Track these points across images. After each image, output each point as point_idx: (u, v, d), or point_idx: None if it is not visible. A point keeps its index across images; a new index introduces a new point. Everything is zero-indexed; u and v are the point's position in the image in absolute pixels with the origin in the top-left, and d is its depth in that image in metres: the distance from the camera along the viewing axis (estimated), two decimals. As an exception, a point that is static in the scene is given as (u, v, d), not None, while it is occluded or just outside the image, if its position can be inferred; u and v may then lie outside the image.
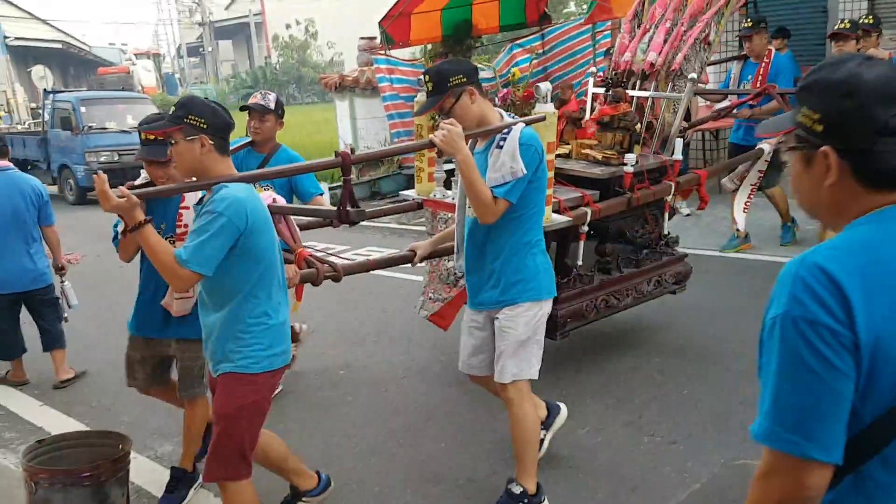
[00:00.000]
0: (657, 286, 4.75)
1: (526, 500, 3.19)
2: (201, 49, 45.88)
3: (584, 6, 24.86)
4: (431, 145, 3.06)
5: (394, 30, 11.47)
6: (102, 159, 13.49)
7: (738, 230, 6.37)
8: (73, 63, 41.86)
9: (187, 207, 3.24)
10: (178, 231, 3.29)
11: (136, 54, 44.57)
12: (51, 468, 3.10)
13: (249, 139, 4.37)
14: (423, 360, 5.04)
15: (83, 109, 14.05)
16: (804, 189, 1.39)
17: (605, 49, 9.80)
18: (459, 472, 3.65)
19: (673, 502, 3.26)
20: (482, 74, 11.90)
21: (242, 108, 4.31)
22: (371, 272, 6.69)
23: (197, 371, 3.43)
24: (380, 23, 11.49)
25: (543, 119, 3.51)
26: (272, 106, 4.25)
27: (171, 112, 2.74)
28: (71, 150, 13.97)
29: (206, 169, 2.71)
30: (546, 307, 3.20)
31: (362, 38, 12.54)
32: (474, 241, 3.20)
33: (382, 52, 11.17)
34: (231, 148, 4.27)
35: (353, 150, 3.19)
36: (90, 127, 13.91)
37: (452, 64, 3.22)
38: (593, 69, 5.45)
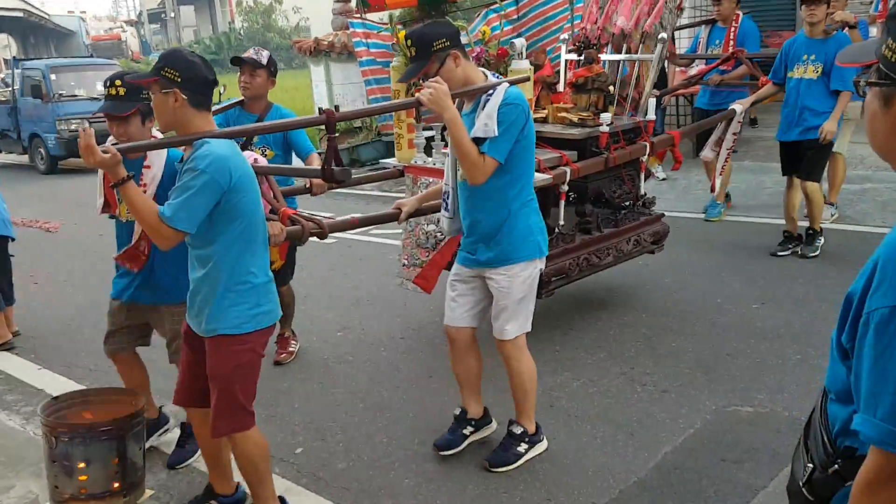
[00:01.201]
0: (636, 245, 4.91)
1: (527, 439, 3.38)
2: (163, 15, 44.88)
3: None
4: (419, 103, 3.09)
5: (370, -6, 11.44)
6: (73, 127, 13.30)
7: (713, 190, 6.47)
8: (33, 32, 40.83)
9: (149, 167, 3.23)
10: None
11: (126, 21, 43.81)
12: (71, 423, 3.17)
13: (240, 98, 4.36)
14: (419, 321, 5.16)
15: (53, 77, 13.81)
16: (880, 131, 1.24)
17: (580, 14, 9.89)
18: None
19: (669, 446, 3.43)
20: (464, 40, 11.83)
21: (233, 61, 4.28)
22: (364, 238, 6.84)
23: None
24: (355, -13, 11.44)
25: (528, 79, 3.59)
26: (264, 62, 4.24)
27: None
28: (41, 118, 13.74)
29: (182, 124, 2.69)
30: (540, 265, 3.30)
31: (337, 2, 12.44)
32: (467, 202, 3.25)
33: (358, 15, 11.13)
34: (222, 106, 4.32)
35: (337, 108, 3.17)
36: (60, 95, 13.68)
37: (435, 27, 3.21)
38: (566, 35, 5.52)
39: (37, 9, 40.25)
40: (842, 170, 6.48)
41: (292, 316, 4.71)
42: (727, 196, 7.19)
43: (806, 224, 5.85)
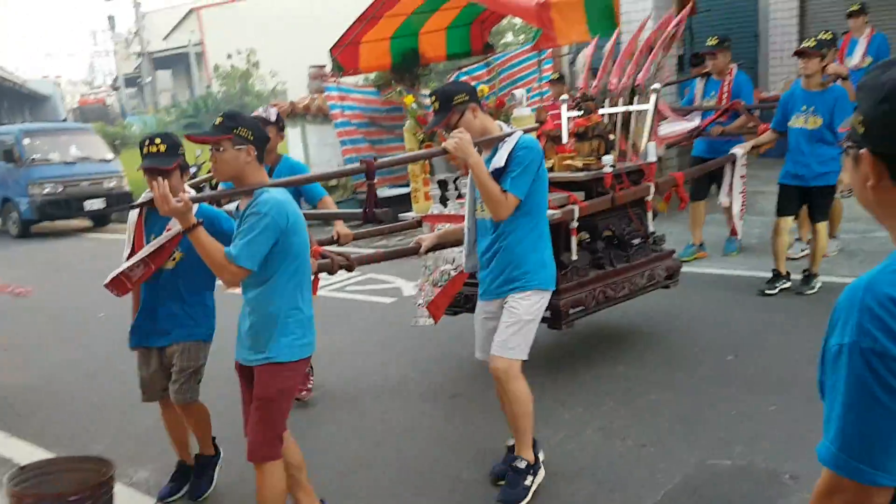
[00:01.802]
0: (650, 280, 5.17)
1: (531, 471, 3.53)
2: (139, 79, 45.22)
3: (521, 37, 25.47)
4: (445, 152, 3.49)
5: (344, 58, 11.62)
6: (46, 191, 13.26)
7: (737, 237, 6.86)
8: (6, 97, 40.96)
9: None
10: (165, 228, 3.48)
11: (112, 86, 44.37)
12: (38, 492, 3.10)
13: None
14: (397, 378, 5.12)
15: (26, 141, 13.81)
16: (854, 188, 1.39)
17: (549, 74, 10.12)
18: (445, 479, 3.76)
19: (650, 502, 3.40)
20: (429, 101, 12.12)
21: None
22: (338, 294, 6.83)
23: (192, 374, 3.61)
24: (330, 51, 11.64)
25: (537, 128, 4.12)
26: (273, 119, 4.56)
27: (217, 122, 3.00)
28: (13, 182, 13.69)
29: (245, 175, 2.99)
30: (547, 297, 3.58)
31: (312, 67, 12.67)
32: (488, 238, 3.55)
33: (333, 79, 11.33)
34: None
35: (375, 158, 3.62)
36: (33, 159, 13.66)
37: (456, 85, 3.68)
38: (565, 96, 5.80)
39: (10, 74, 40.50)
40: (839, 208, 6.86)
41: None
42: (701, 245, 7.35)
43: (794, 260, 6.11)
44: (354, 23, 11.24)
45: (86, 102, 37.16)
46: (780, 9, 10.89)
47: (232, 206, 3.58)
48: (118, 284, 3.53)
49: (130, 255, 3.55)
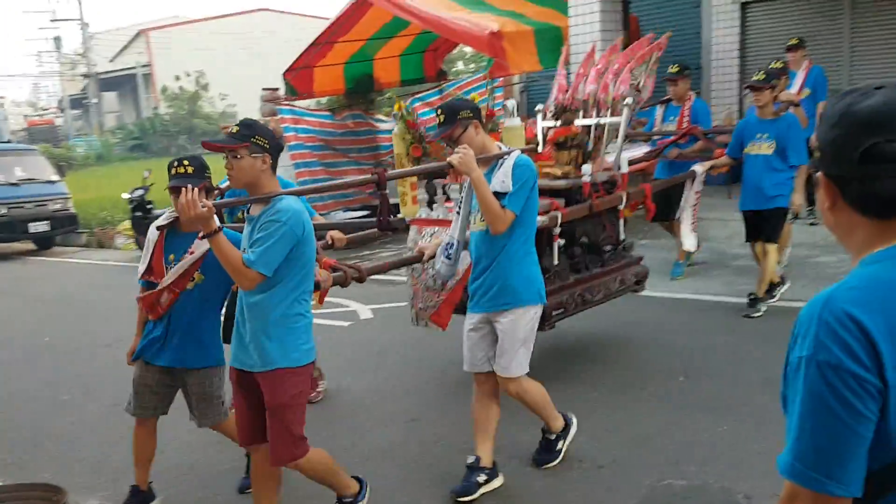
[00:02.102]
0: (622, 284, 5.45)
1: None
2: (85, 101, 44.43)
3: (472, 66, 25.82)
4: (450, 166, 3.63)
5: (297, 82, 11.70)
6: (-10, 212, 12.91)
7: (689, 251, 6.95)
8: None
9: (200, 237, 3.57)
10: (188, 250, 3.59)
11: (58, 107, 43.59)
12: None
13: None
14: (352, 401, 5.09)
15: (-31, 163, 13.43)
16: (820, 209, 1.44)
17: (500, 102, 10.27)
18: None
19: (607, 522, 3.44)
20: (383, 126, 12.25)
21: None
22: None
23: (217, 398, 3.70)
24: (284, 74, 11.66)
25: (535, 148, 4.45)
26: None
27: (234, 130, 3.12)
28: (-45, 203, 13.26)
29: (261, 183, 3.11)
30: (539, 310, 3.79)
31: (265, 89, 12.59)
32: (481, 251, 3.72)
33: (287, 102, 11.30)
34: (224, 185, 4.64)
35: (386, 169, 3.81)
36: (-24, 181, 13.29)
37: (462, 101, 3.92)
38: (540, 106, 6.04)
39: (-48, 94, 39.50)
40: (787, 231, 7.05)
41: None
42: (687, 256, 7.60)
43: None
44: (309, 47, 11.34)
45: (34, 123, 36.42)
46: (722, 42, 11.26)
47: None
48: (150, 307, 3.62)
49: (146, 272, 3.64)
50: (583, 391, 4.95)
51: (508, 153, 3.72)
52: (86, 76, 41.42)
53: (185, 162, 3.59)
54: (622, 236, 5.54)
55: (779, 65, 7.17)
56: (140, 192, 11.82)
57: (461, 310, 4.77)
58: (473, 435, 3.86)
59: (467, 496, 3.67)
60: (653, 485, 3.74)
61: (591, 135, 5.36)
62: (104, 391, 5.72)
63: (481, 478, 3.72)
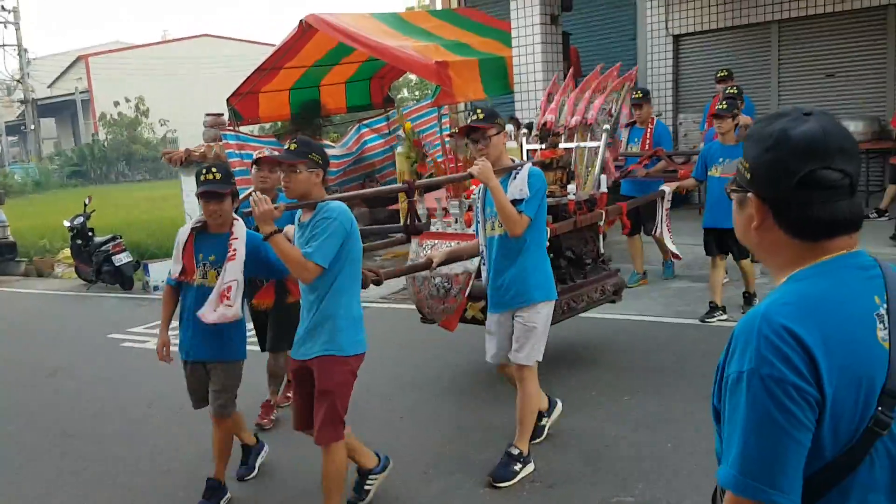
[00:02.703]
0: (602, 294, 5.82)
1: (522, 459, 4.12)
2: (22, 127, 43.32)
3: (416, 93, 26.05)
4: (471, 176, 4.09)
5: (242, 107, 11.66)
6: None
7: (674, 257, 7.18)
8: None
9: (237, 238, 3.95)
10: (229, 254, 3.93)
11: None
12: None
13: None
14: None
15: None
16: (739, 227, 1.51)
17: (447, 126, 10.43)
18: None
19: (558, 539, 3.51)
20: (332, 151, 12.32)
21: (254, 162, 5.02)
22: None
23: (229, 393, 4.06)
24: (228, 100, 11.61)
25: (545, 164, 5.20)
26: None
27: (292, 147, 3.49)
28: None
29: (313, 194, 3.52)
30: (552, 305, 4.23)
31: (208, 114, 12.51)
32: (500, 254, 4.12)
33: (231, 128, 11.25)
34: (242, 196, 4.86)
35: (414, 179, 4.21)
36: None
37: (496, 112, 4.24)
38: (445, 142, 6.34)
39: None
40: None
41: (283, 383, 5.34)
42: (644, 273, 8.09)
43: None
44: (254, 72, 11.32)
45: None
46: (658, 74, 11.68)
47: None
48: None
49: (181, 273, 4.01)
50: (532, 411, 5.03)
51: (521, 165, 4.15)
52: (23, 102, 40.40)
53: (214, 169, 3.95)
54: (601, 250, 5.95)
55: (734, 90, 7.65)
56: (80, 219, 11.59)
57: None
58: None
59: (504, 482, 4.02)
60: (603, 501, 3.83)
61: (574, 156, 5.79)
62: (48, 420, 5.61)
63: (517, 466, 4.08)
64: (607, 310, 7.36)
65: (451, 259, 4.65)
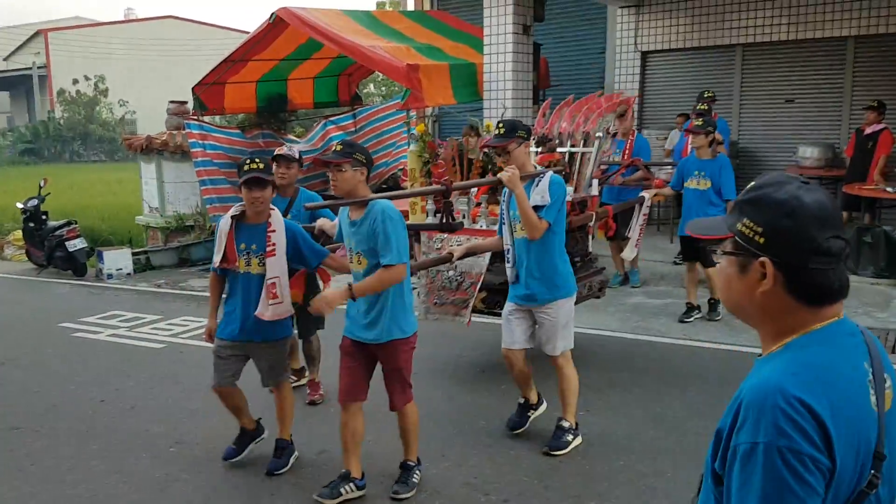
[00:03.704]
0: (590, 290, 6.09)
1: (572, 431, 4.66)
2: (-27, 99, 42.09)
3: (383, 89, 25.87)
4: (500, 182, 4.41)
5: (207, 97, 11.48)
6: None
7: (626, 259, 7.72)
8: None
9: (275, 231, 4.24)
10: (268, 249, 4.23)
11: None
12: None
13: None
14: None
15: None
16: (735, 291, 1.51)
17: (414, 127, 10.45)
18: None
19: (510, 555, 3.55)
20: (297, 147, 12.32)
21: (273, 158, 5.19)
22: (196, 342, 6.67)
23: (282, 363, 4.52)
24: (193, 89, 11.43)
25: (563, 170, 5.55)
26: (296, 157, 5.40)
27: (337, 149, 3.86)
28: None
29: (358, 191, 3.87)
30: (573, 300, 4.64)
31: (172, 102, 12.32)
32: (523, 254, 4.51)
33: (195, 117, 11.07)
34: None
35: (446, 183, 4.79)
36: None
37: (520, 122, 4.61)
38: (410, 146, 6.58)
39: None
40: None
41: (320, 361, 5.61)
42: (626, 275, 8.60)
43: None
44: (221, 63, 11.16)
45: None
46: (624, 87, 11.83)
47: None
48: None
49: (223, 260, 4.27)
50: (490, 425, 5.08)
51: (544, 173, 4.48)
52: (-25, 74, 39.28)
53: (258, 160, 4.26)
54: (590, 249, 6.28)
55: (703, 106, 8.14)
56: (34, 201, 11.34)
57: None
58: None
59: (560, 451, 4.54)
60: (554, 518, 3.90)
61: (576, 161, 6.08)
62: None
63: (569, 436, 4.60)
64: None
65: (470, 253, 5.02)
